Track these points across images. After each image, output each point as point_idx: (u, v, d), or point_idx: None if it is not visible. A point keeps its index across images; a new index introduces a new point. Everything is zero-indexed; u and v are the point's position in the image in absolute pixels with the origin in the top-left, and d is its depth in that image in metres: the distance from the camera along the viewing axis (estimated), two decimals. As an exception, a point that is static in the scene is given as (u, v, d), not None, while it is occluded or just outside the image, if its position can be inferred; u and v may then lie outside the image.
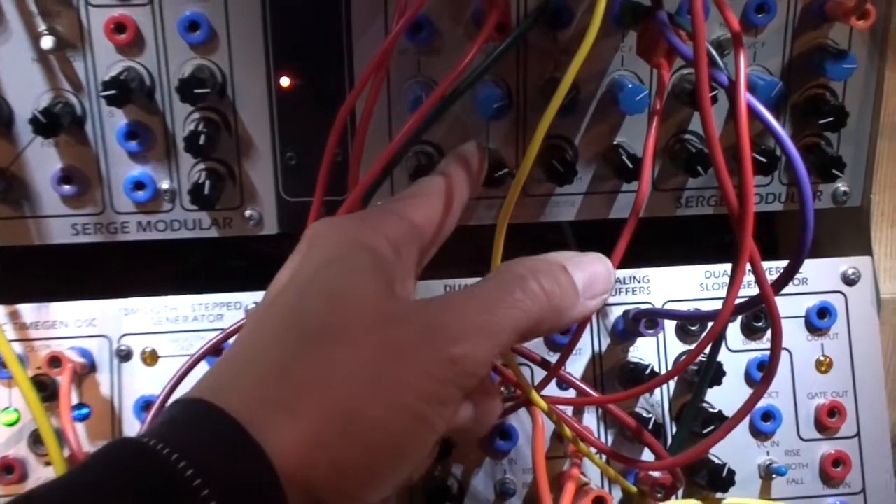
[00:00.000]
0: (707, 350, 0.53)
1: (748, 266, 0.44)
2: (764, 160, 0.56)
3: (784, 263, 0.54)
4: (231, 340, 0.54)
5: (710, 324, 0.51)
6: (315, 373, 0.36)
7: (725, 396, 0.57)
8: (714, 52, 0.46)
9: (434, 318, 0.38)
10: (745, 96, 0.43)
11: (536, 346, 0.58)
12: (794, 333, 0.59)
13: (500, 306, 0.40)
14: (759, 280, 0.44)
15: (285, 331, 0.38)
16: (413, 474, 0.44)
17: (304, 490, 0.35)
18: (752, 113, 0.43)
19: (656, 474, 0.54)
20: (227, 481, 0.33)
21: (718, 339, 0.52)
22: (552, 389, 0.56)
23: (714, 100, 0.55)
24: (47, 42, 0.53)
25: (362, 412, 0.36)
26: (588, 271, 0.44)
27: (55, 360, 0.55)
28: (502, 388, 0.55)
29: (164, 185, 0.57)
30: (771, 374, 0.46)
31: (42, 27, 0.54)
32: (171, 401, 0.40)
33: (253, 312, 0.42)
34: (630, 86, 0.54)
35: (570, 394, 0.56)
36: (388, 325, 0.38)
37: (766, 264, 0.55)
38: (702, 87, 0.41)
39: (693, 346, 0.57)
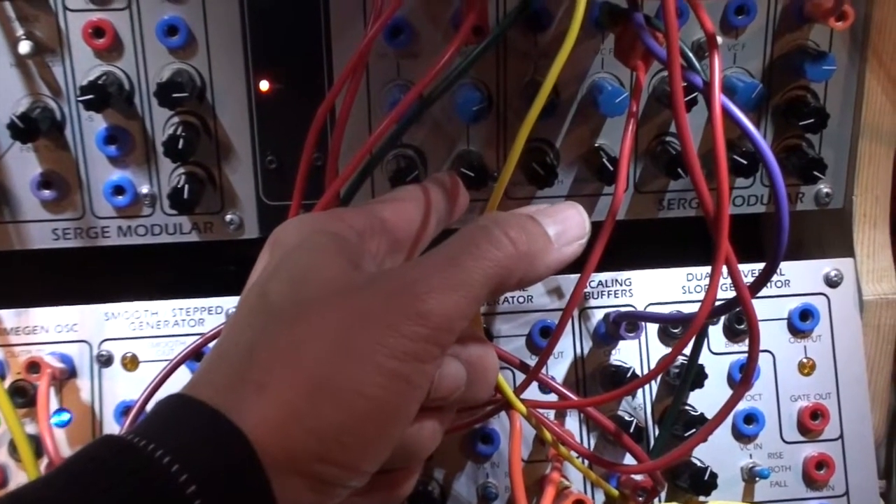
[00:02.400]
0: (689, 352, 0.53)
1: (727, 269, 0.44)
2: (744, 162, 0.56)
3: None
4: (212, 345, 0.54)
5: (692, 326, 0.51)
6: (281, 349, 0.36)
7: (708, 399, 0.57)
8: (690, 55, 0.46)
9: (398, 279, 0.38)
10: (719, 98, 0.43)
11: (517, 350, 0.58)
12: (776, 336, 0.59)
13: (465, 257, 0.39)
14: (736, 283, 0.43)
15: (253, 317, 0.38)
16: (418, 452, 0.43)
17: (290, 464, 0.35)
18: (728, 115, 0.43)
19: (638, 477, 0.54)
20: (209, 469, 0.33)
21: (699, 341, 0.52)
22: (534, 393, 0.56)
23: (693, 102, 0.55)
24: (25, 47, 0.53)
25: (332, 377, 0.36)
26: (558, 217, 0.44)
27: (34, 366, 0.55)
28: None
29: (144, 189, 0.57)
30: (749, 377, 0.46)
31: (20, 32, 0.54)
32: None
33: (228, 319, 0.42)
34: (610, 88, 0.54)
35: (552, 397, 0.56)
36: (351, 294, 0.38)
37: (746, 266, 0.56)
38: (675, 89, 0.41)
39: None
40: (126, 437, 0.35)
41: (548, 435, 0.52)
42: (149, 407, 0.56)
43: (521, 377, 0.51)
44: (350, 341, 0.36)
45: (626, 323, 0.56)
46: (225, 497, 0.33)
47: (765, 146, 0.42)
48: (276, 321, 0.37)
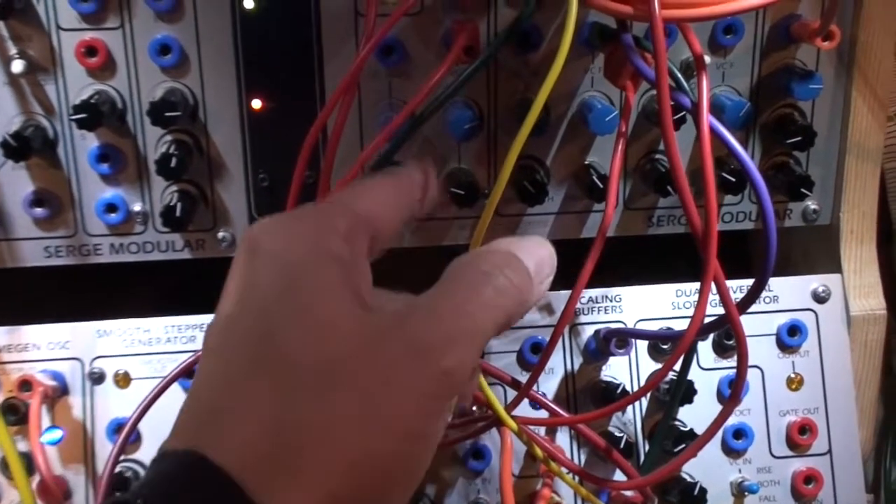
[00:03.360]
0: (678, 368, 0.54)
1: (715, 287, 0.44)
2: (733, 179, 0.56)
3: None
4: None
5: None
6: (314, 422, 0.34)
7: (697, 414, 0.58)
8: (679, 75, 0.47)
9: (416, 333, 0.36)
10: (707, 118, 0.43)
11: (508, 366, 0.58)
12: (765, 351, 0.60)
13: (474, 307, 0.38)
14: (725, 302, 0.44)
15: (267, 369, 0.35)
16: None
17: None
18: (716, 135, 0.43)
19: (628, 493, 0.54)
20: None
21: (688, 357, 0.53)
22: (525, 409, 0.56)
23: (682, 120, 0.56)
24: (18, 66, 0.53)
25: (372, 455, 0.34)
26: (536, 256, 0.42)
27: (26, 384, 0.55)
28: (474, 409, 0.56)
29: (137, 207, 0.57)
30: (737, 394, 0.46)
31: (13, 51, 0.54)
32: (158, 451, 0.36)
33: (210, 341, 0.38)
34: (599, 106, 0.55)
35: (543, 414, 0.56)
36: (375, 351, 0.36)
37: (734, 282, 0.57)
38: (663, 109, 0.42)
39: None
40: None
41: (539, 451, 0.53)
42: (142, 425, 0.56)
43: (512, 394, 0.52)
44: (380, 409, 0.35)
45: (616, 339, 0.57)
46: None
47: (752, 165, 0.43)
48: (303, 385, 0.35)
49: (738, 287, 0.58)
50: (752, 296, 0.44)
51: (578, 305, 0.59)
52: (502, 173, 0.44)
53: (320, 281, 0.37)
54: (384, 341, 0.36)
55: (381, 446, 0.35)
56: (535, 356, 0.58)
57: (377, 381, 0.35)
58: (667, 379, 0.58)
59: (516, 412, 0.51)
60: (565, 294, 0.56)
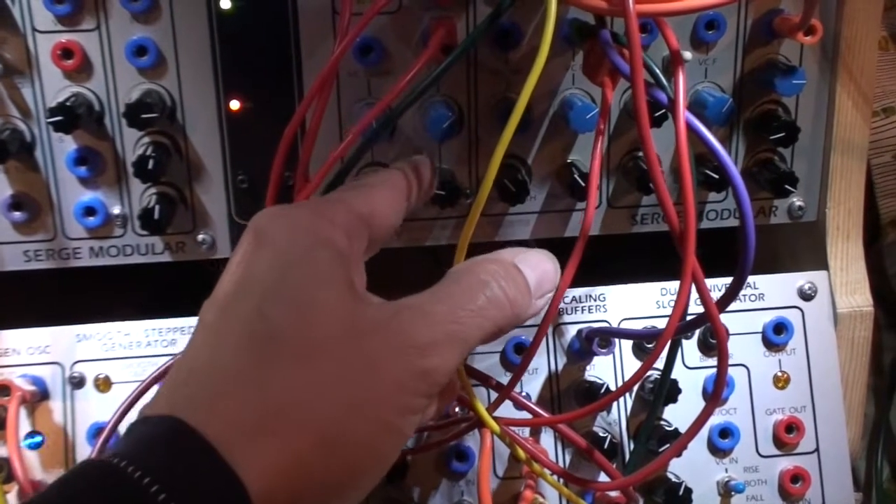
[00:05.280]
0: (662, 367, 0.53)
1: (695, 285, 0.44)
2: (716, 177, 0.56)
3: (750, 279, 0.55)
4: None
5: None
6: (293, 393, 0.36)
7: (682, 413, 0.57)
8: (657, 71, 0.47)
9: (404, 329, 0.38)
10: (683, 114, 0.43)
11: (492, 367, 0.58)
12: (751, 349, 0.59)
13: (467, 315, 0.40)
14: (703, 298, 0.44)
15: (255, 344, 0.37)
16: None
17: None
18: (692, 130, 0.43)
19: (613, 494, 0.54)
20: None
21: (671, 356, 0.52)
22: (510, 411, 0.56)
23: (665, 117, 0.55)
24: (-7, 69, 0.53)
25: (344, 433, 0.36)
26: (539, 270, 0.44)
27: (3, 389, 0.55)
28: (457, 410, 0.55)
29: (116, 210, 0.57)
30: (719, 392, 0.46)
31: (-12, 54, 0.54)
32: (137, 416, 0.38)
33: (207, 316, 0.39)
34: (580, 104, 0.54)
35: (527, 415, 0.55)
36: (361, 338, 0.37)
37: (720, 280, 0.56)
38: (638, 105, 0.41)
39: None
40: (113, 462, 0.34)
41: (521, 453, 0.52)
42: (122, 427, 0.55)
43: (495, 395, 0.51)
44: (360, 395, 0.37)
45: (599, 339, 0.56)
46: None
47: (728, 161, 0.42)
48: (285, 359, 0.36)
49: (723, 285, 0.57)
50: (732, 294, 0.44)
51: (562, 305, 0.59)
52: (487, 175, 0.44)
53: (318, 269, 0.39)
54: (371, 332, 0.38)
55: (355, 429, 0.36)
56: (518, 357, 0.57)
57: (360, 367, 0.37)
58: (651, 379, 0.58)
59: (499, 414, 0.51)
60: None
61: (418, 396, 0.38)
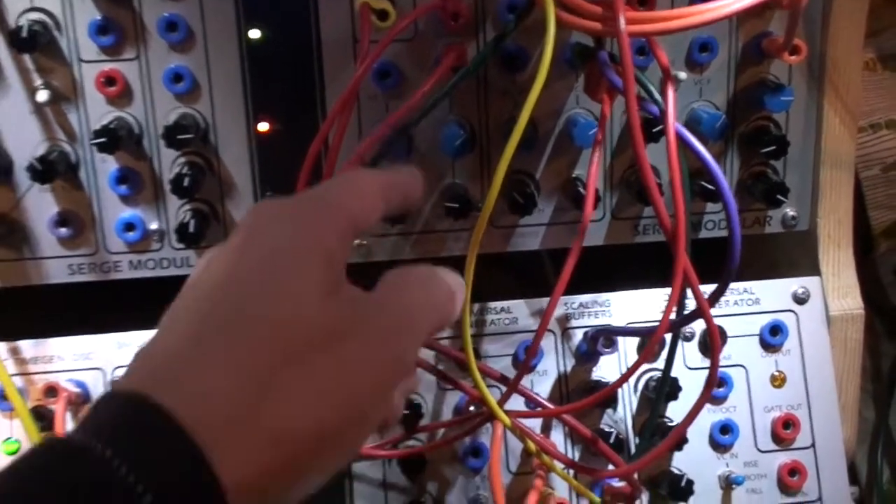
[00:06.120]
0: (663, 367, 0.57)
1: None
2: (712, 188, 0.60)
3: (742, 284, 0.61)
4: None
5: (669, 339, 0.55)
6: (278, 388, 0.36)
7: (684, 411, 0.60)
8: (651, 87, 0.51)
9: (376, 325, 0.40)
10: (674, 126, 0.47)
11: (504, 368, 0.61)
12: (748, 351, 0.63)
13: (424, 308, 0.43)
14: (695, 293, 0.48)
15: (239, 333, 0.37)
16: None
17: (254, 500, 0.36)
18: (683, 141, 0.47)
19: (617, 484, 0.57)
20: (168, 487, 0.32)
21: (671, 354, 0.56)
22: (520, 408, 0.59)
23: (662, 133, 0.59)
24: (43, 95, 0.58)
25: (323, 427, 0.37)
26: (453, 279, 0.46)
27: (51, 390, 0.59)
28: (471, 408, 0.59)
29: (153, 225, 0.61)
30: (712, 382, 0.49)
31: (38, 82, 0.58)
32: (111, 389, 0.37)
33: (190, 297, 0.40)
34: (583, 121, 0.58)
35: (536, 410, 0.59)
36: (344, 338, 0.39)
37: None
38: (631, 118, 0.45)
39: (654, 364, 0.61)
40: (82, 442, 0.33)
41: (532, 445, 0.56)
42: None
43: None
44: (343, 391, 0.38)
45: (603, 338, 0.60)
46: None
47: (717, 169, 0.46)
48: (274, 352, 0.37)
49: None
50: (721, 288, 0.48)
51: (570, 311, 0.63)
52: (492, 187, 0.48)
53: (305, 266, 0.39)
54: (352, 333, 0.39)
55: (334, 424, 0.37)
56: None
57: (342, 366, 0.38)
58: (655, 378, 0.61)
59: (510, 409, 0.55)
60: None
61: (387, 387, 0.40)
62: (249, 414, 0.35)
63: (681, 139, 0.47)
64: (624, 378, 0.51)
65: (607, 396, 0.58)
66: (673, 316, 0.50)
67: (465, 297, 0.47)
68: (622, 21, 0.44)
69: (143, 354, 0.39)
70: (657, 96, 0.50)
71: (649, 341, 0.49)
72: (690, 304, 0.51)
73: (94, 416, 0.35)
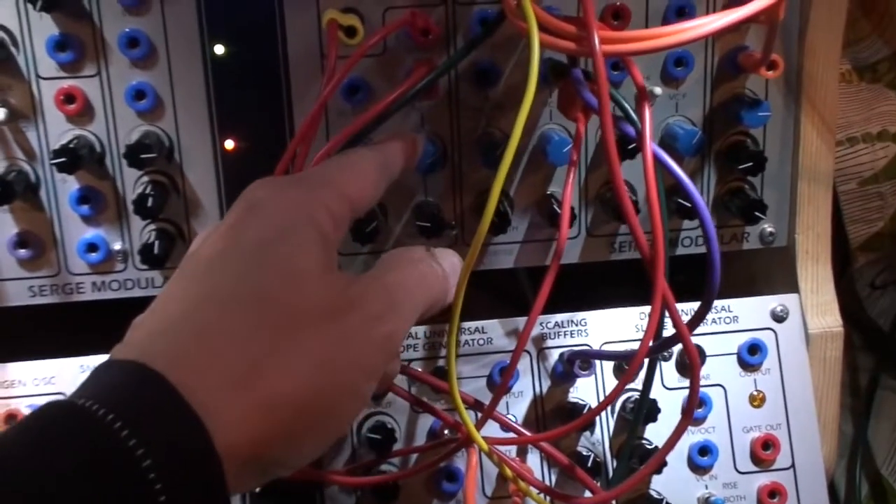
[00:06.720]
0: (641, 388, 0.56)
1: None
2: (688, 205, 0.59)
3: (720, 302, 0.60)
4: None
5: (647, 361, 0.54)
6: (274, 356, 0.38)
7: (663, 432, 0.59)
8: (626, 105, 0.49)
9: (371, 303, 0.42)
10: (650, 145, 0.46)
11: (478, 390, 0.60)
12: (726, 370, 0.62)
13: (415, 286, 0.44)
14: (674, 319, 0.46)
15: (241, 305, 0.39)
16: None
17: (248, 464, 0.37)
18: (658, 160, 0.46)
19: (595, 510, 0.56)
20: (167, 450, 0.34)
21: (649, 376, 0.55)
22: (496, 433, 0.58)
23: (638, 150, 0.58)
24: (0, 114, 0.56)
25: (316, 397, 0.39)
26: (448, 261, 0.49)
27: (11, 418, 0.57)
28: (446, 432, 0.58)
29: (117, 246, 0.59)
30: (692, 408, 0.48)
31: (-5, 100, 0.57)
32: (109, 357, 0.39)
33: (190, 269, 0.42)
34: (557, 138, 0.57)
35: (512, 436, 0.58)
36: (338, 312, 0.40)
37: (693, 305, 0.59)
38: (606, 137, 0.44)
39: (632, 385, 0.60)
40: (82, 403, 0.34)
41: (508, 471, 0.55)
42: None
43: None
44: (336, 363, 0.39)
45: (580, 361, 0.59)
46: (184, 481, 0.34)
47: (692, 187, 0.45)
48: (270, 321, 0.38)
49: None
50: (701, 314, 0.47)
51: (545, 330, 0.61)
52: (487, 210, 0.46)
53: (304, 243, 0.41)
54: (347, 308, 0.41)
55: (327, 394, 0.39)
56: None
57: (337, 339, 0.40)
58: (633, 399, 0.60)
59: (486, 434, 0.53)
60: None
61: (379, 362, 0.42)
62: (246, 382, 0.37)
63: (657, 160, 0.46)
64: (602, 406, 0.50)
65: (585, 423, 0.57)
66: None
67: (461, 279, 0.47)
68: (596, 41, 0.43)
69: (140, 324, 0.41)
70: (634, 116, 0.49)
71: (628, 369, 0.47)
72: (669, 322, 0.50)
73: (94, 382, 0.36)
